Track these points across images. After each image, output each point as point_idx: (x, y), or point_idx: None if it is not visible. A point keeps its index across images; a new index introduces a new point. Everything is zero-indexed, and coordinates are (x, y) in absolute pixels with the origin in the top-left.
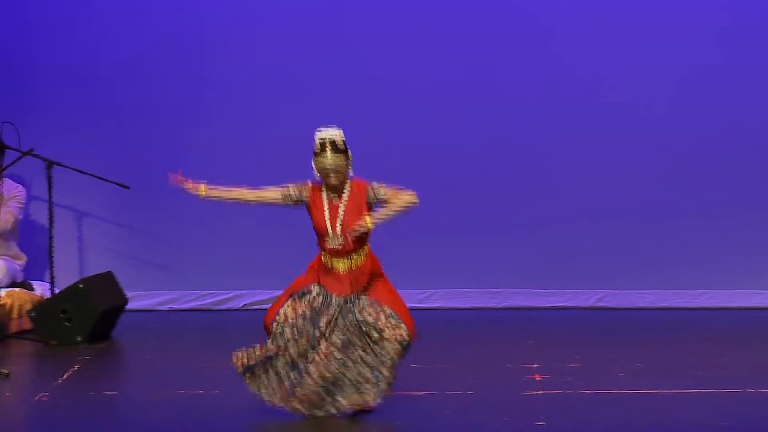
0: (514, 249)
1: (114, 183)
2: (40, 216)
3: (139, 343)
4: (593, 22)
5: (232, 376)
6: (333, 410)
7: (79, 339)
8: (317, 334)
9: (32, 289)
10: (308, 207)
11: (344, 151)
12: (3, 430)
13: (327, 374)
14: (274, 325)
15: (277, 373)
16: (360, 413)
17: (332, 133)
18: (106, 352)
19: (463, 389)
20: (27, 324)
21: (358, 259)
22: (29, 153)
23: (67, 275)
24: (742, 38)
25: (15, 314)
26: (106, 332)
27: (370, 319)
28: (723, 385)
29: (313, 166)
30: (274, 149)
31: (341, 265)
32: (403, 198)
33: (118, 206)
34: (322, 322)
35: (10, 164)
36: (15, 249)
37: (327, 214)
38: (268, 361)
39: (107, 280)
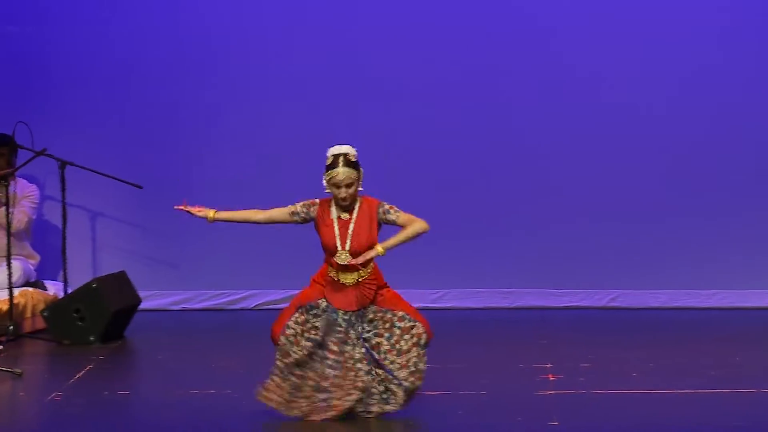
0: (527, 249)
1: (127, 183)
2: (54, 216)
3: (152, 343)
4: (593, 22)
5: (245, 376)
6: (364, 414)
7: (92, 339)
8: (328, 354)
9: (45, 289)
10: (316, 224)
11: (356, 166)
12: (17, 429)
13: (359, 385)
14: (283, 338)
15: (307, 398)
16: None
17: (345, 149)
18: (119, 352)
19: (476, 389)
20: (40, 324)
21: (365, 272)
22: (42, 153)
23: (80, 275)
24: (742, 38)
25: (28, 314)
26: (119, 332)
27: (384, 328)
28: (736, 385)
29: (324, 181)
30: (290, 149)
31: (348, 279)
32: (415, 225)
33: (131, 206)
34: (331, 343)
35: (24, 164)
36: (28, 249)
37: (337, 231)
38: (296, 389)
39: (120, 279)
